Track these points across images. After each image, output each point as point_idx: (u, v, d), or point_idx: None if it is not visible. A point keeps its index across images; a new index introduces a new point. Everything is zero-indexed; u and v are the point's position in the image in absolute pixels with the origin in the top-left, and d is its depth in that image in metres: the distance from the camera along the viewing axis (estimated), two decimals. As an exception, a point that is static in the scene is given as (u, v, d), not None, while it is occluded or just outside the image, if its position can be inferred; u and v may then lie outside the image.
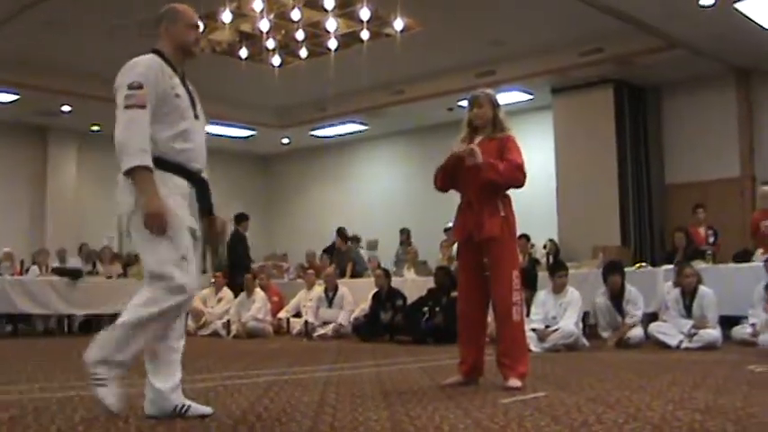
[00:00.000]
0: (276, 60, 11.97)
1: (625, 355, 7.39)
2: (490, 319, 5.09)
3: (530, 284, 8.41)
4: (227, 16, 10.21)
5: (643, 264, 10.20)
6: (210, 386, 4.81)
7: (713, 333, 7.90)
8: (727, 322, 8.40)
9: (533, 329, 7.90)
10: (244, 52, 11.74)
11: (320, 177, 18.89)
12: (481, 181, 4.76)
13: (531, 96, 14.16)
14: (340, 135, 17.46)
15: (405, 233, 14.28)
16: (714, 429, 3.22)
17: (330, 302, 11.17)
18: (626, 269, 8.98)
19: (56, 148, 16.43)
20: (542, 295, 8.49)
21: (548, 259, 11.82)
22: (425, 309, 9.53)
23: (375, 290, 10.58)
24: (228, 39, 12.00)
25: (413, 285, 10.96)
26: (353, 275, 12.78)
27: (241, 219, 12.81)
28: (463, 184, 4.91)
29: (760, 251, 9.25)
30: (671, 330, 8.13)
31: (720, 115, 13.03)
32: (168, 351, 3.57)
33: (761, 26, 10.71)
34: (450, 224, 5.22)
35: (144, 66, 3.55)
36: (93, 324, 12.49)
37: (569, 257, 11.11)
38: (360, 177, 18.23)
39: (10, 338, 11.12)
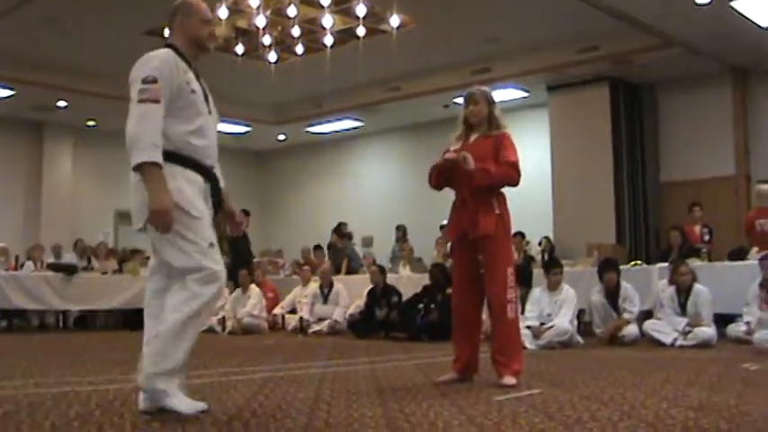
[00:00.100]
0: (272, 56, 11.97)
1: (619, 353, 7.41)
2: (485, 316, 5.09)
3: (525, 282, 8.43)
4: (223, 12, 10.19)
5: (638, 261, 10.22)
6: (206, 382, 4.81)
7: (708, 331, 7.92)
8: (722, 320, 8.43)
9: (528, 327, 7.91)
10: (240, 48, 11.75)
11: (316, 174, 18.88)
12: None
13: (526, 94, 14.16)
14: (336, 131, 17.44)
15: (401, 230, 14.28)
16: (708, 427, 3.23)
17: (325, 299, 11.18)
18: (621, 267, 9.00)
19: (51, 144, 16.38)
20: (537, 292, 8.50)
21: (543, 257, 11.83)
22: (420, 306, 9.54)
23: (370, 286, 10.58)
24: (224, 35, 11.99)
25: (408, 282, 10.97)
26: (349, 272, 12.78)
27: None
28: (458, 182, 4.90)
29: (755, 249, 9.27)
30: (665, 328, 8.15)
31: (716, 113, 13.04)
32: None
33: (757, 25, 10.72)
34: (446, 221, 5.22)
35: (159, 60, 3.50)
36: (88, 320, 12.53)
37: (564, 255, 11.13)
38: (355, 174, 18.22)
39: (5, 334, 11.10)
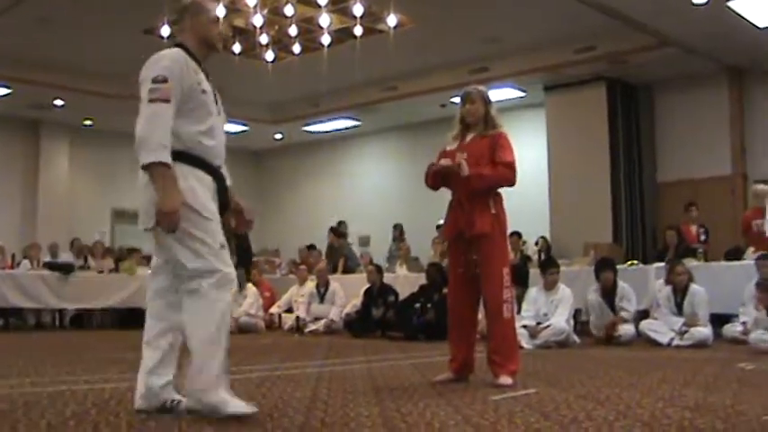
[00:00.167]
0: (269, 56, 11.94)
1: (616, 353, 7.42)
2: (481, 316, 5.10)
3: (521, 281, 8.44)
4: (220, 11, 10.16)
5: (635, 261, 10.24)
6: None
7: (704, 331, 7.93)
8: (718, 320, 8.44)
9: (524, 326, 7.92)
10: (237, 47, 11.73)
11: (313, 173, 18.86)
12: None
13: (523, 94, 14.16)
14: (333, 131, 17.42)
15: (397, 229, 14.27)
16: (704, 427, 3.23)
17: (322, 298, 11.18)
18: (618, 267, 9.01)
19: (48, 143, 16.35)
20: (534, 292, 8.51)
21: (539, 256, 11.84)
22: (417, 305, 9.54)
23: (367, 286, 10.59)
24: (222, 33, 11.98)
25: (405, 281, 10.98)
26: (345, 271, 12.78)
27: None
28: (454, 183, 4.90)
29: (751, 249, 9.28)
30: (662, 328, 8.16)
31: (713, 113, 13.05)
32: (167, 347, 3.54)
33: (754, 25, 10.73)
34: (443, 221, 5.22)
35: (169, 59, 3.47)
36: (84, 318, 12.52)
37: (561, 255, 11.15)
38: (352, 173, 18.20)
39: (1, 332, 11.09)
